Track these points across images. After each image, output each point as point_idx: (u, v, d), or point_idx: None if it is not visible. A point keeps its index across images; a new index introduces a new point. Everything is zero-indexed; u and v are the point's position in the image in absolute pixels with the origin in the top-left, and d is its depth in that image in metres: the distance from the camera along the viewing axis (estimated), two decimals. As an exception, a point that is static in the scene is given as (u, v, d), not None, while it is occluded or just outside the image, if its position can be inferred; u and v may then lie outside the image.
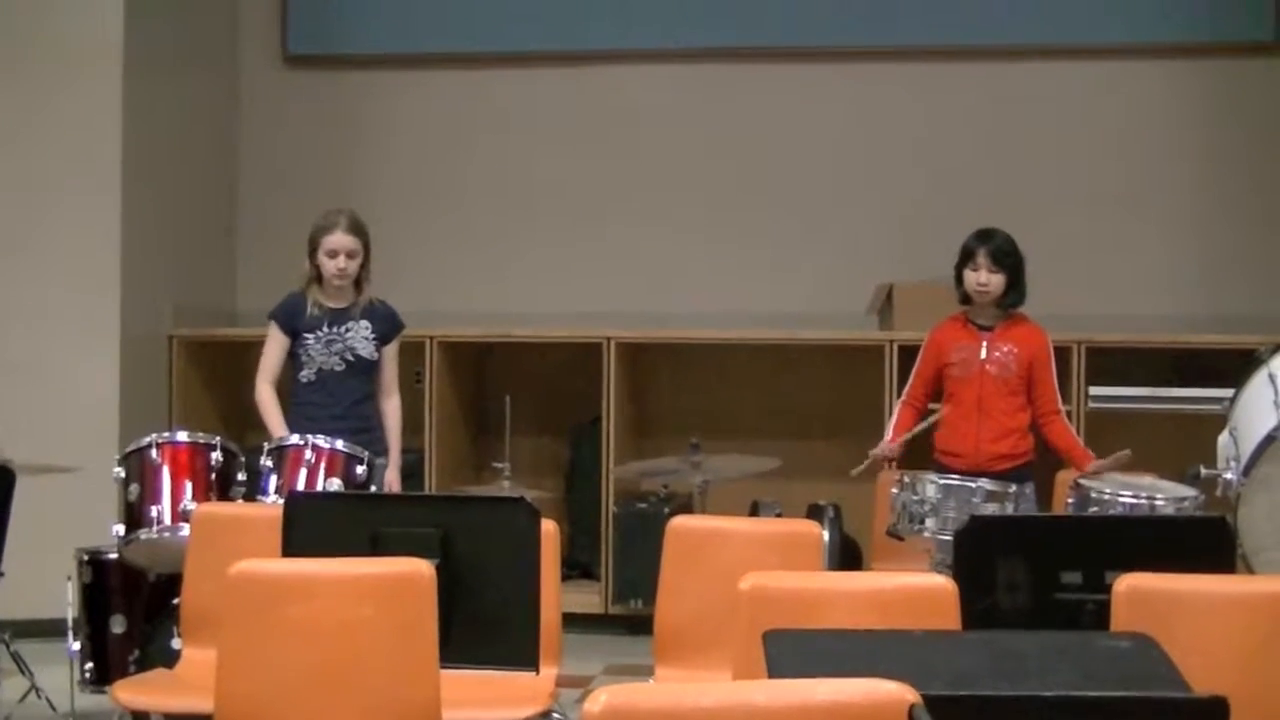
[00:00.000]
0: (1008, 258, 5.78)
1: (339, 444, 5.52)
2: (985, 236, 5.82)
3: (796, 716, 2.39)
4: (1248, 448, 4.84)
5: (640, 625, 6.27)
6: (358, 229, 5.87)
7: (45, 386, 7.40)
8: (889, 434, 5.90)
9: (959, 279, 5.86)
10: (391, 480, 5.86)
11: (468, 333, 8.06)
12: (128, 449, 5.55)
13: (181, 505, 5.35)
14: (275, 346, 5.93)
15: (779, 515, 6.88)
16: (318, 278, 5.89)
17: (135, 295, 7.64)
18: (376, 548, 3.89)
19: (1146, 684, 2.65)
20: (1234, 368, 5.42)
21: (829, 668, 2.53)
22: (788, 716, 2.39)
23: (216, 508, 5.22)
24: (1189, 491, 5.18)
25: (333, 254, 5.83)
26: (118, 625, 5.57)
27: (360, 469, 5.51)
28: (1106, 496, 5.19)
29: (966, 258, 5.82)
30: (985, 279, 5.77)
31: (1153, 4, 8.11)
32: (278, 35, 8.72)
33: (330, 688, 3.67)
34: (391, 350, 5.99)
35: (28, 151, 7.53)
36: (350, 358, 5.86)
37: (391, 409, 6.00)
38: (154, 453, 5.45)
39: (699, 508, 6.23)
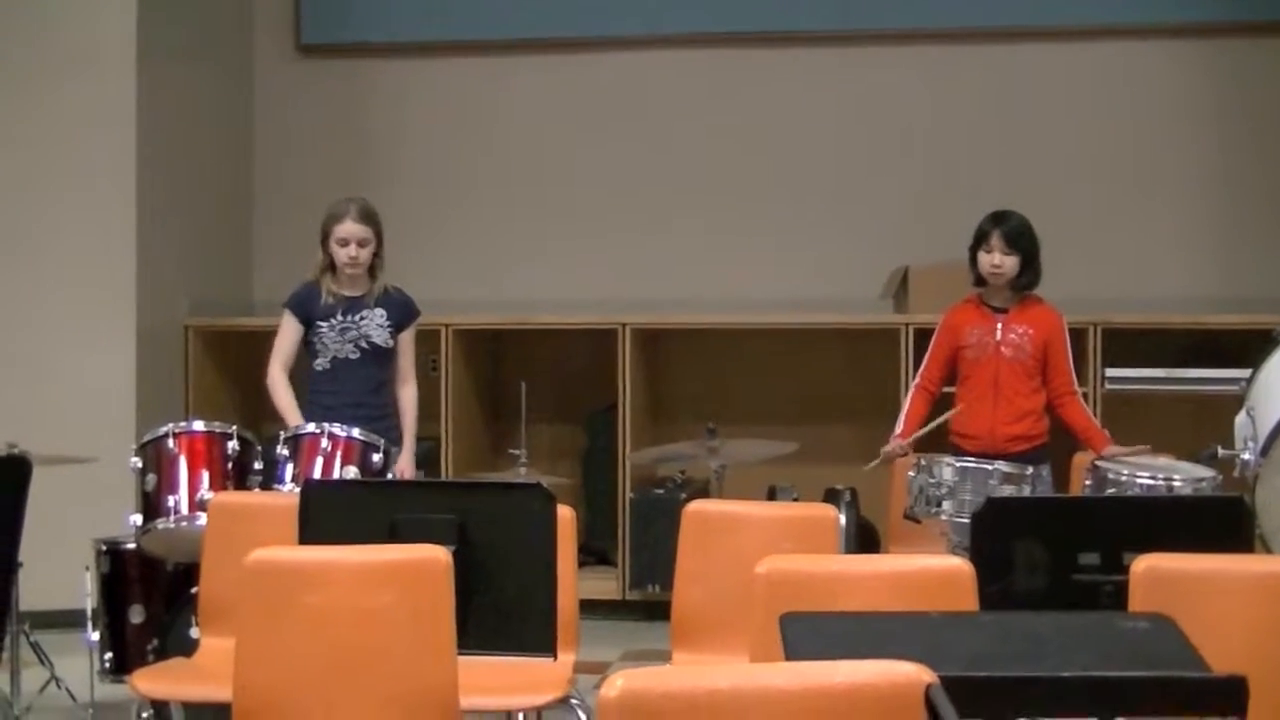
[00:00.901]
0: (1021, 239, 5.76)
1: (355, 432, 5.52)
2: (999, 218, 5.80)
3: (814, 698, 2.39)
4: (1265, 428, 4.83)
5: (657, 611, 6.27)
6: (368, 216, 5.87)
7: (61, 377, 7.43)
8: (900, 425, 5.87)
9: (973, 261, 5.84)
10: (403, 468, 5.85)
11: (483, 320, 8.07)
12: (144, 439, 5.56)
13: (198, 495, 5.36)
14: (288, 333, 5.94)
15: (795, 499, 6.88)
16: (331, 266, 5.89)
17: (151, 286, 7.66)
18: (393, 535, 3.89)
19: (1165, 664, 2.64)
20: (1251, 348, 5.40)
21: (846, 650, 2.53)
22: (805, 698, 2.39)
23: (233, 497, 5.23)
24: (1206, 472, 5.17)
25: (344, 242, 5.84)
26: (136, 615, 5.59)
27: (376, 457, 5.52)
28: (1124, 478, 5.18)
29: (980, 240, 5.80)
30: (999, 261, 5.75)
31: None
32: (291, 25, 8.73)
33: (348, 675, 3.68)
34: (408, 338, 5.99)
35: (44, 144, 7.54)
36: (365, 345, 5.87)
37: (408, 396, 6.00)
38: (170, 443, 5.46)
39: (715, 492, 6.23)
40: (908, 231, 8.00)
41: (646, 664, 4.01)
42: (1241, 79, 8.04)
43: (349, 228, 5.85)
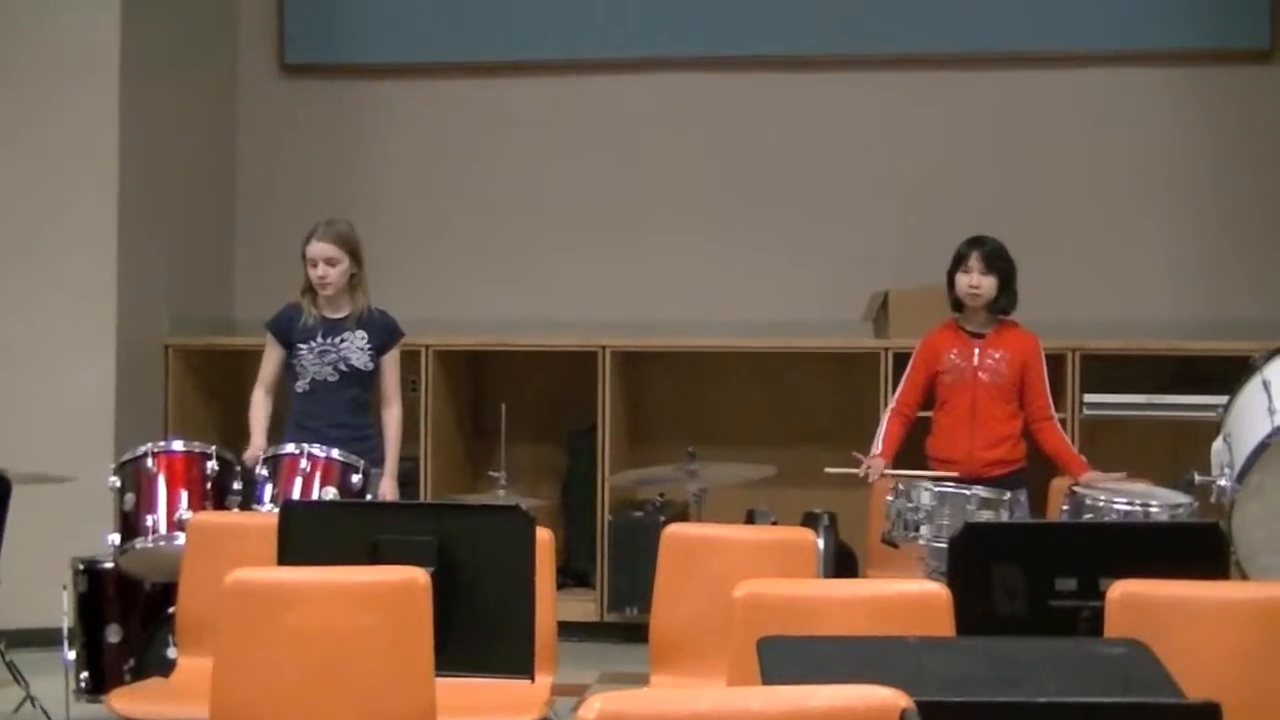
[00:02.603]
0: (999, 261, 5.81)
1: (334, 453, 5.52)
2: (977, 242, 5.87)
3: (790, 722, 2.40)
4: (1241, 454, 4.86)
5: (636, 633, 6.26)
6: (338, 237, 5.87)
7: (41, 395, 7.41)
8: (879, 445, 5.89)
9: (951, 284, 5.87)
10: (386, 491, 5.84)
11: (464, 341, 8.06)
12: (123, 458, 5.55)
13: (177, 514, 5.36)
14: (270, 357, 5.96)
15: (774, 523, 6.88)
16: (311, 287, 5.90)
17: (131, 304, 7.64)
18: (372, 556, 3.89)
19: (1140, 690, 2.65)
20: (1228, 374, 5.42)
21: (823, 674, 2.54)
22: (781, 722, 2.40)
23: (212, 517, 5.23)
24: (1183, 498, 5.19)
25: (313, 262, 5.85)
26: (113, 634, 5.57)
27: (356, 478, 5.52)
28: (1101, 503, 5.19)
29: (958, 262, 5.85)
30: (977, 281, 5.79)
31: (1150, 11, 8.11)
32: (275, 44, 8.73)
33: (326, 695, 3.68)
34: (391, 359, 5.98)
35: (24, 159, 7.53)
36: (344, 368, 5.86)
37: (391, 418, 5.99)
38: (149, 462, 5.46)
39: (695, 516, 6.24)
40: (888, 256, 8.02)
41: (624, 686, 4.00)
42: (1227, 106, 8.07)
43: (315, 247, 5.86)
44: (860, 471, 5.80)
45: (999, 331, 5.86)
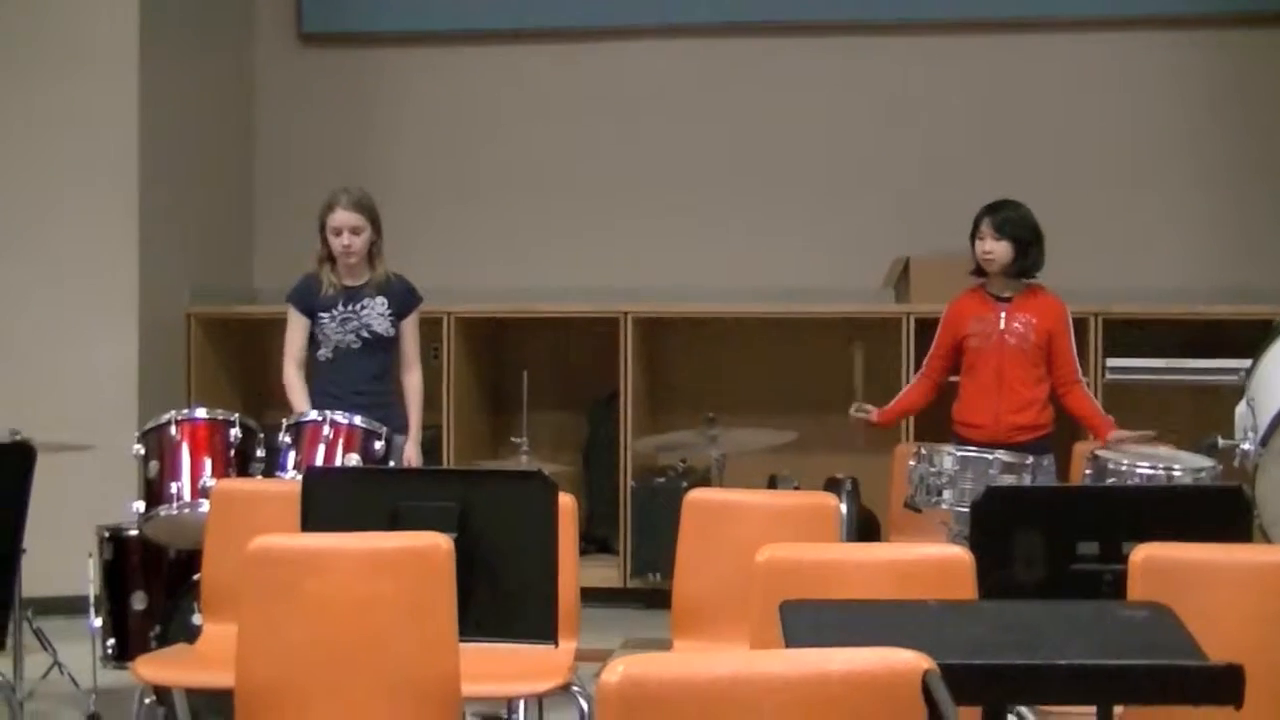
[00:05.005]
0: (1010, 226, 5.79)
1: (357, 420, 5.54)
2: (991, 208, 5.85)
3: (811, 685, 2.40)
4: (1265, 418, 4.84)
5: (658, 599, 6.28)
6: (360, 205, 5.87)
7: (65, 365, 7.44)
8: (892, 403, 5.93)
9: (974, 250, 5.87)
10: (410, 455, 5.86)
11: (485, 309, 8.07)
12: (147, 426, 5.57)
13: (201, 482, 5.37)
14: (296, 328, 5.95)
15: (796, 488, 6.89)
16: (330, 257, 5.90)
17: (153, 274, 7.67)
18: (395, 523, 3.90)
19: (1163, 653, 2.65)
20: (1251, 338, 5.41)
21: (845, 638, 2.54)
22: (803, 685, 2.40)
23: (235, 484, 5.24)
24: (1206, 462, 5.17)
25: (337, 231, 5.85)
26: (138, 602, 5.59)
27: (378, 444, 5.53)
28: (1124, 467, 5.18)
29: (974, 228, 5.85)
30: (989, 247, 5.78)
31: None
32: (293, 13, 8.73)
33: (349, 661, 3.69)
34: (410, 324, 5.99)
35: (46, 132, 7.55)
36: (366, 335, 5.87)
37: (412, 383, 6.00)
38: (173, 430, 5.47)
39: (716, 481, 6.25)
40: (909, 222, 8.01)
41: (647, 651, 4.01)
42: (1243, 69, 8.05)
43: (340, 217, 5.86)
44: (861, 417, 5.90)
45: (1025, 296, 5.84)
